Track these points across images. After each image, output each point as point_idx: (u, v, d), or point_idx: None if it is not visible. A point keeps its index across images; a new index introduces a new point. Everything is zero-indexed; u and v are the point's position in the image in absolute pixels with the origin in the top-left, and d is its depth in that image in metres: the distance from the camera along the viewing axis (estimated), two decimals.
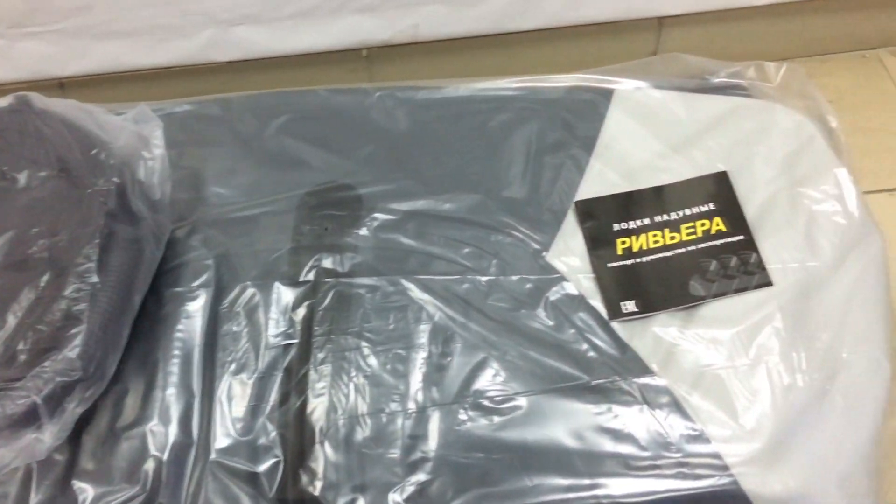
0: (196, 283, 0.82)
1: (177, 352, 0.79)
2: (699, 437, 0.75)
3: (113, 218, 0.75)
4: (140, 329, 0.80)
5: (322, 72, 1.32)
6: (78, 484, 0.73)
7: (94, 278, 0.72)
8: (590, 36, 1.32)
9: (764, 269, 0.82)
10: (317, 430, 0.75)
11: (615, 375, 0.78)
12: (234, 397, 0.77)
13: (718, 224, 0.85)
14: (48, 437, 0.68)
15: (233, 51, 1.26)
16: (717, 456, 0.74)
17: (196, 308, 0.81)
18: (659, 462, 0.74)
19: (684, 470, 0.73)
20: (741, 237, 0.84)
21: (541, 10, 1.26)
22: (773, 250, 0.83)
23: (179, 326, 0.80)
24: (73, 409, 0.70)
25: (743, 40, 1.36)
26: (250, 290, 0.82)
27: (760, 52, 1.35)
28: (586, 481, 0.73)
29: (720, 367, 0.78)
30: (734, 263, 0.82)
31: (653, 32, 1.33)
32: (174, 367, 0.78)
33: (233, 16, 1.21)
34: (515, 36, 1.30)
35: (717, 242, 0.84)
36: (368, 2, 1.22)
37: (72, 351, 0.69)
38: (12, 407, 0.67)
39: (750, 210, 0.86)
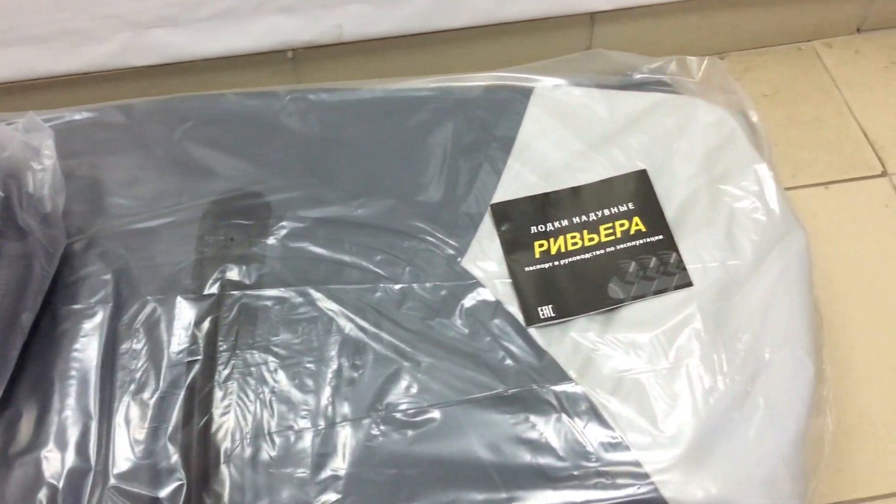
0: (94, 300, 0.80)
1: (73, 372, 0.76)
2: (618, 445, 0.74)
3: None
4: (34, 349, 0.77)
5: (247, 75, 1.29)
6: None
7: None
8: (521, 33, 1.30)
9: (684, 269, 0.81)
10: (221, 450, 0.73)
11: (532, 384, 0.76)
12: (133, 419, 0.75)
13: (637, 224, 0.84)
14: None
15: (149, 55, 1.22)
16: (636, 464, 0.73)
17: (93, 325, 0.79)
18: (577, 472, 0.73)
19: (603, 479, 0.73)
20: (660, 237, 0.83)
21: (469, 8, 1.24)
22: (692, 250, 0.83)
23: (76, 345, 0.78)
24: None
25: (677, 35, 1.36)
26: (151, 305, 0.79)
27: (695, 47, 1.35)
28: (503, 495, 0.72)
29: (639, 371, 0.77)
30: (654, 264, 0.82)
31: (585, 29, 1.32)
32: (70, 389, 0.76)
33: (147, 18, 1.18)
34: (444, 35, 1.28)
35: (637, 243, 0.83)
36: (290, 1, 1.19)
37: None
38: None
39: (670, 209, 0.85)
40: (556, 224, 0.85)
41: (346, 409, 0.75)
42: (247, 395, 0.75)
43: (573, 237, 0.84)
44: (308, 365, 0.77)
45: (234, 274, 0.81)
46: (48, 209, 0.78)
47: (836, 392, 1.02)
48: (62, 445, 0.73)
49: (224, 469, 0.73)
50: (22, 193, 0.76)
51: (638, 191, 0.86)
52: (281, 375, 0.77)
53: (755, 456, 0.74)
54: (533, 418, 0.75)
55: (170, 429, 0.74)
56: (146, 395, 0.76)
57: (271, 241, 0.83)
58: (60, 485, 0.72)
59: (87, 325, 0.79)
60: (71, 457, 0.73)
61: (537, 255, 0.83)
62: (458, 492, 0.72)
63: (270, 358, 0.77)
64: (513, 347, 0.78)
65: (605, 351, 0.78)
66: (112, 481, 0.72)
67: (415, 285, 0.81)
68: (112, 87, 1.25)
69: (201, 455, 0.73)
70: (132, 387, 0.76)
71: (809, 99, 1.36)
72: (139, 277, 0.81)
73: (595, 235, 0.84)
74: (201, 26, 1.20)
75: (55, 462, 0.73)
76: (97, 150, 0.90)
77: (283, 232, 0.84)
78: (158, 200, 0.86)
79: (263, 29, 1.22)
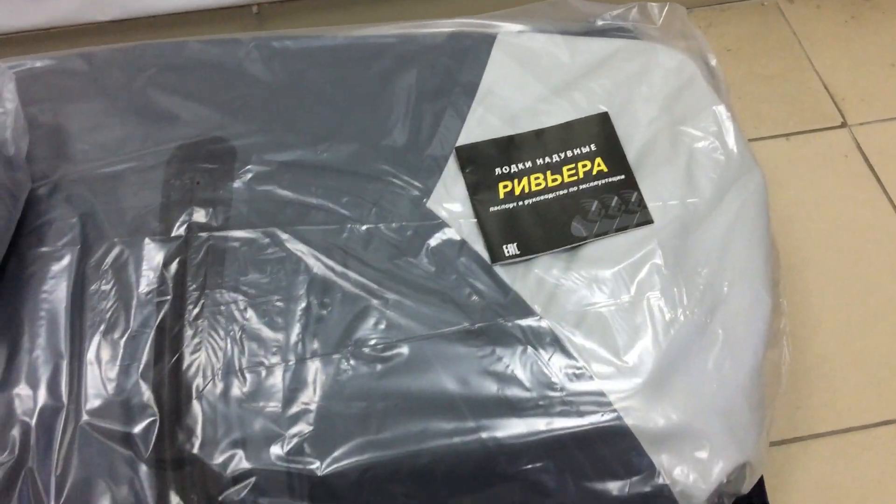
0: (61, 243, 0.82)
1: (42, 313, 0.78)
2: (582, 376, 0.77)
3: None
4: (2, 291, 0.79)
5: (212, 30, 1.30)
6: None
7: None
8: None
9: (644, 207, 0.85)
10: (193, 386, 0.76)
11: (498, 318, 0.79)
12: (104, 357, 0.77)
13: (600, 164, 0.87)
14: None
15: (113, 9, 1.23)
16: (600, 393, 0.77)
17: (61, 268, 0.81)
18: (543, 402, 0.76)
19: (568, 408, 0.76)
20: (622, 177, 0.86)
21: None
22: (653, 188, 0.86)
23: (45, 287, 0.80)
24: None
25: None
26: (118, 248, 0.81)
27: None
28: (471, 424, 0.75)
29: (602, 305, 0.80)
30: (615, 203, 0.85)
31: None
32: (40, 329, 0.78)
33: None
34: None
35: (599, 183, 0.86)
36: None
37: None
38: None
39: (631, 150, 0.88)
40: (520, 166, 0.87)
41: (315, 345, 0.78)
42: (217, 333, 0.78)
43: (537, 178, 0.87)
44: (277, 303, 0.79)
45: (200, 216, 0.83)
46: (11, 152, 0.79)
47: (794, 334, 1.07)
48: (34, 384, 0.75)
49: (196, 404, 0.75)
50: None
51: (600, 133, 0.89)
52: (250, 314, 0.79)
53: (714, 385, 0.78)
54: (499, 351, 0.78)
55: (141, 367, 0.77)
56: (116, 334, 0.78)
57: (237, 184, 0.85)
58: (33, 422, 0.74)
59: (55, 268, 0.80)
60: (43, 395, 0.75)
61: (501, 196, 0.86)
62: (427, 422, 0.75)
63: (239, 297, 0.79)
64: (478, 284, 0.81)
65: (568, 286, 0.81)
66: (85, 417, 0.74)
67: (381, 226, 0.84)
68: (75, 42, 1.26)
69: (173, 391, 0.75)
70: (102, 326, 0.78)
71: (772, 53, 1.40)
72: (106, 220, 0.83)
73: (558, 176, 0.87)
74: None
75: (27, 400, 0.75)
76: (59, 97, 0.92)
77: (249, 175, 0.86)
78: (122, 146, 0.88)
79: None
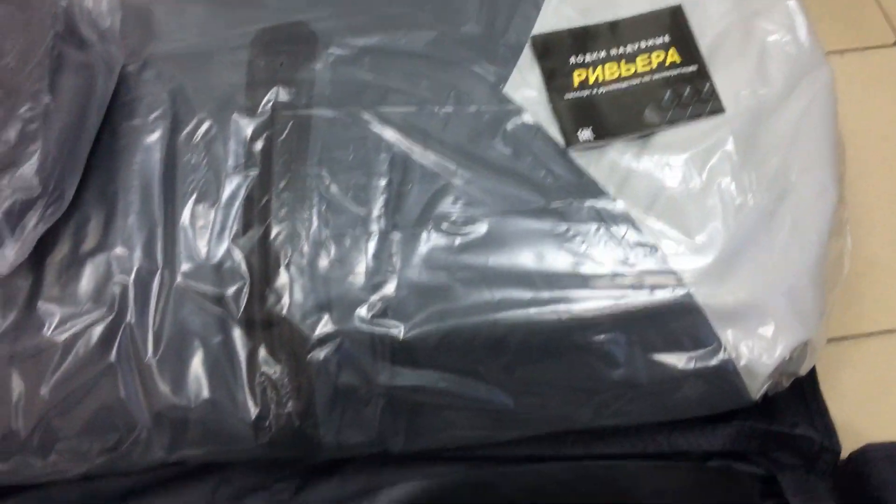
0: (152, 117, 0.84)
1: (136, 182, 0.81)
2: (655, 254, 0.80)
3: (62, 41, 0.76)
4: (97, 162, 0.82)
5: None
6: (44, 307, 0.76)
7: (47, 98, 0.73)
8: None
9: (717, 97, 0.86)
10: (281, 254, 0.79)
11: (573, 198, 0.81)
12: (196, 224, 0.80)
13: (673, 55, 0.88)
14: (10, 252, 0.71)
15: None
16: (671, 271, 0.79)
17: (153, 140, 0.83)
18: (615, 278, 0.79)
19: (640, 284, 0.78)
20: (695, 67, 0.88)
21: None
22: (725, 79, 0.88)
23: (137, 158, 0.82)
24: (34, 226, 0.72)
25: None
26: (207, 123, 0.84)
27: None
28: (546, 296, 0.78)
29: (674, 189, 0.82)
30: (688, 92, 0.86)
31: None
32: (134, 197, 0.81)
33: None
34: None
35: (672, 73, 0.88)
36: None
37: (29, 168, 0.71)
38: None
39: (704, 42, 0.90)
40: (595, 55, 0.89)
41: (397, 219, 0.80)
42: (303, 205, 0.81)
43: (611, 67, 0.88)
44: (360, 179, 0.82)
45: (285, 95, 0.85)
46: (107, 24, 0.82)
47: None
48: (130, 246, 0.79)
49: (284, 271, 0.78)
50: (82, 7, 0.79)
51: (673, 25, 0.90)
52: (334, 188, 0.81)
53: (780, 266, 0.81)
54: (574, 229, 0.80)
55: (231, 234, 0.80)
56: (207, 203, 0.81)
57: (319, 66, 0.87)
58: (130, 280, 0.77)
59: (148, 140, 0.83)
60: (139, 256, 0.78)
61: (576, 84, 0.87)
62: (504, 293, 0.78)
63: (324, 172, 0.82)
64: (554, 167, 0.83)
65: (641, 170, 0.83)
66: (179, 279, 0.78)
67: (459, 108, 0.85)
68: None
69: (262, 258, 0.79)
70: (194, 196, 0.81)
71: None
72: (194, 97, 0.85)
73: (632, 66, 0.88)
74: None
75: (124, 260, 0.78)
76: None
77: (331, 58, 0.88)
78: (207, 28, 0.90)
79: None
